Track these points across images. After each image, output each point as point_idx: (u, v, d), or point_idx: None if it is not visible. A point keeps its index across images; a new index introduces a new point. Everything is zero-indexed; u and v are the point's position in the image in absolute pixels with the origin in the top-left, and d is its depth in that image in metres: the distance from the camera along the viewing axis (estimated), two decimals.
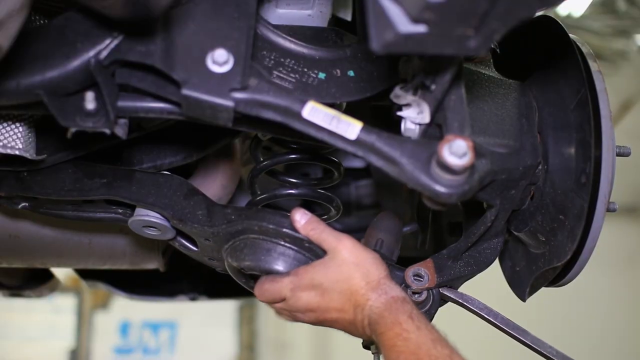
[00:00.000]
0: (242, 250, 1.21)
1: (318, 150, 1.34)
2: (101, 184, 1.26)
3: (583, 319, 6.02)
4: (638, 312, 6.28)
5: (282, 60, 1.09)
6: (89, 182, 1.26)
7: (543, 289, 1.32)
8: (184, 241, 1.32)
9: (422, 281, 1.20)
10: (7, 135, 1.16)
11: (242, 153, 1.55)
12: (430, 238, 1.57)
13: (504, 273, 1.41)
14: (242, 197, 1.60)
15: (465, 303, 1.22)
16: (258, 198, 1.37)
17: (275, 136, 1.29)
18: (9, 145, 1.16)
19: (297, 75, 1.09)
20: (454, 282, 1.23)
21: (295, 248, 1.18)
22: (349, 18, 1.22)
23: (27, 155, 1.18)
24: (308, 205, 1.92)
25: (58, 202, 1.31)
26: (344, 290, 1.11)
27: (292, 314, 1.20)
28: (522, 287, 1.33)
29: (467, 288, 1.26)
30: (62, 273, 2.30)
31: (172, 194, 1.25)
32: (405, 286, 1.20)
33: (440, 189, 0.93)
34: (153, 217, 1.26)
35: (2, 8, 0.84)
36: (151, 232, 1.30)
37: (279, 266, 1.18)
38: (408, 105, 1.04)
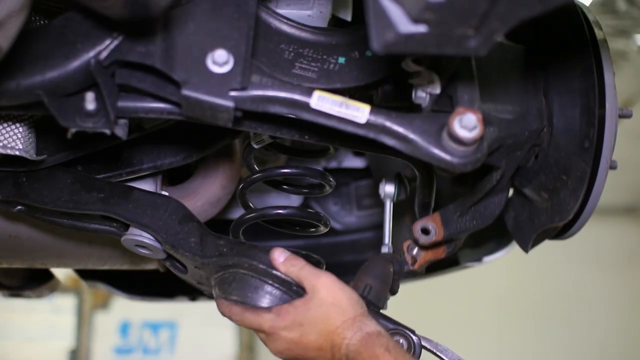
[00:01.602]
0: (230, 284, 1.22)
1: (315, 155, 1.34)
2: (98, 198, 1.25)
3: (583, 319, 6.01)
4: (638, 312, 6.28)
5: (301, 51, 1.10)
6: (86, 195, 1.25)
7: (543, 289, 1.33)
8: (174, 262, 1.33)
9: (429, 235, 1.21)
10: (7, 135, 1.16)
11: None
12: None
13: (507, 224, 1.43)
14: None
15: (439, 354, 1.19)
16: (247, 217, 1.35)
17: (273, 135, 1.29)
18: (9, 145, 1.16)
19: (318, 64, 1.09)
20: (460, 235, 1.26)
21: (283, 289, 1.19)
22: (349, 18, 1.22)
23: (27, 155, 1.18)
24: (306, 204, 1.92)
25: (53, 211, 1.30)
26: (321, 331, 1.12)
27: (270, 347, 1.19)
28: (525, 238, 1.36)
29: (467, 287, 1.26)
30: (62, 273, 2.30)
31: (167, 217, 1.25)
32: (413, 241, 1.21)
33: (453, 159, 0.97)
34: (146, 238, 1.26)
35: (2, 8, 0.84)
36: (143, 252, 1.30)
37: (265, 304, 1.18)
38: (419, 73, 1.06)
